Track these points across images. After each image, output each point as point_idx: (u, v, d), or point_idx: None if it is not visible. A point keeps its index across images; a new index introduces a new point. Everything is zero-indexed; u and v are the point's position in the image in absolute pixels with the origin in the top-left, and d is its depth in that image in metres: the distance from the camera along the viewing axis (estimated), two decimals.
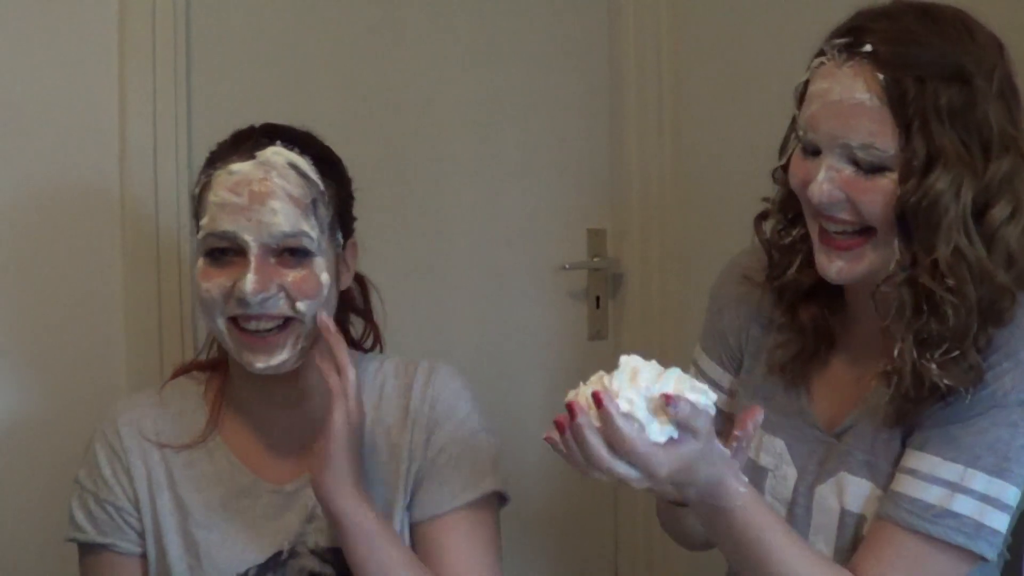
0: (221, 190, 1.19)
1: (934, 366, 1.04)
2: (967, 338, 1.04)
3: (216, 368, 1.34)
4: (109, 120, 1.59)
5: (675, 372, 1.01)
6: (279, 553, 1.25)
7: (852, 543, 1.12)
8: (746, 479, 1.03)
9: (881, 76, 1.02)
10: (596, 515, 2.05)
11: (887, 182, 1.04)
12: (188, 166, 1.65)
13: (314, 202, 1.21)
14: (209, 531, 1.25)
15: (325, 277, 1.21)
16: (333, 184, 1.25)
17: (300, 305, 1.19)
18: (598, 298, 2.05)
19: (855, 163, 1.05)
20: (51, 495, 1.53)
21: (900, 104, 1.02)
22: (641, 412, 1.00)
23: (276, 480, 1.27)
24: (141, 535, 1.27)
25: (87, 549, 1.28)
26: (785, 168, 1.15)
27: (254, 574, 1.25)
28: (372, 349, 1.39)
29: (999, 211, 1.03)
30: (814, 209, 1.09)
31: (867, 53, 1.03)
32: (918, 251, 1.04)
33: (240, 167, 1.19)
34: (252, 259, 1.17)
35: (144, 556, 1.27)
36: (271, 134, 1.23)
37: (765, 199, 1.22)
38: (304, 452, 1.25)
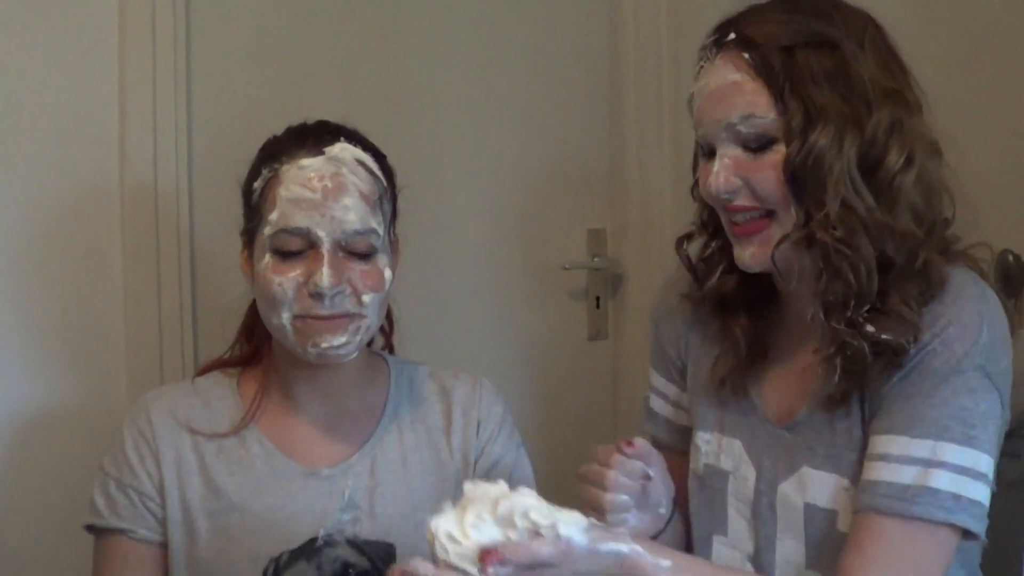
0: (293, 185, 1.20)
1: (869, 327, 1.05)
2: (871, 291, 1.05)
3: (247, 363, 1.34)
4: (109, 120, 1.59)
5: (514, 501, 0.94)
6: (314, 539, 1.25)
7: (823, 538, 1.10)
8: (667, 561, 0.98)
9: (747, 55, 1.07)
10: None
11: (775, 156, 1.07)
12: (188, 166, 1.65)
13: (380, 199, 1.24)
14: (242, 514, 1.25)
15: (388, 272, 1.25)
16: (389, 180, 1.29)
17: (366, 298, 1.21)
18: (598, 298, 2.05)
19: (744, 146, 1.08)
20: (52, 492, 1.55)
21: (770, 73, 1.06)
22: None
23: (312, 463, 1.28)
24: (161, 523, 1.26)
25: (102, 534, 1.27)
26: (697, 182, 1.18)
27: (286, 560, 1.24)
28: (390, 343, 1.43)
29: (892, 160, 1.05)
30: (720, 203, 1.12)
31: (732, 40, 1.09)
32: (811, 209, 1.06)
33: (311, 162, 1.21)
34: (325, 253, 1.19)
35: (162, 545, 1.26)
36: (331, 130, 1.26)
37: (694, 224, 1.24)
38: (339, 438, 1.29)
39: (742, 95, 1.07)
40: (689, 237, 1.23)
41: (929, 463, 1.02)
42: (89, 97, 1.59)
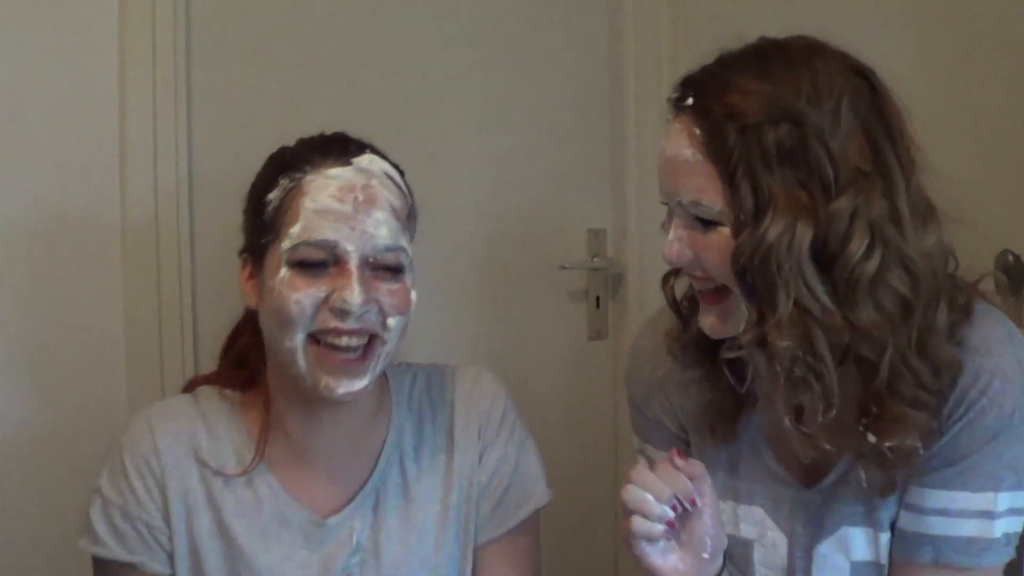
0: (320, 195, 1.11)
1: (870, 436, 0.99)
2: (834, 396, 0.97)
3: (246, 388, 1.25)
4: (109, 120, 1.59)
5: None
6: None
7: None
8: None
9: (698, 131, 0.99)
10: (596, 515, 2.04)
11: (721, 237, 1.00)
12: (188, 166, 1.65)
13: (409, 216, 1.19)
14: (253, 556, 1.18)
15: (413, 294, 1.17)
16: (412, 197, 1.22)
17: (391, 321, 1.14)
18: (598, 298, 2.05)
19: (696, 218, 1.02)
20: (52, 502, 1.54)
21: (722, 155, 0.97)
22: None
23: (319, 511, 1.21)
24: (171, 556, 1.18)
25: (107, 565, 1.19)
26: None
27: None
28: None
29: (852, 249, 0.95)
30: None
31: (689, 107, 1.01)
32: (764, 308, 0.97)
33: (340, 172, 1.13)
34: (354, 270, 1.10)
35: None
36: (355, 142, 1.19)
37: None
38: (344, 477, 1.22)
39: (692, 176, 1.00)
40: (676, 274, 1.14)
41: (989, 515, 1.02)
42: (89, 96, 1.58)
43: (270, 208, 1.15)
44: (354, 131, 1.71)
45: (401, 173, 1.20)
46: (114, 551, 1.17)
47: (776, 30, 1.79)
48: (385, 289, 1.13)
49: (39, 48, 1.55)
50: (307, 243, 1.11)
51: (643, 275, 2.01)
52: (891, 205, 0.97)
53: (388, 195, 1.14)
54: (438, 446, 1.26)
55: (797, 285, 0.96)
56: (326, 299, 1.10)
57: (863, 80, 1.01)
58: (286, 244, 1.11)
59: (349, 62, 1.81)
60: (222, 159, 1.65)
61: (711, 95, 1.00)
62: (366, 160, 1.15)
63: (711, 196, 0.99)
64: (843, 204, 0.95)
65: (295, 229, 1.11)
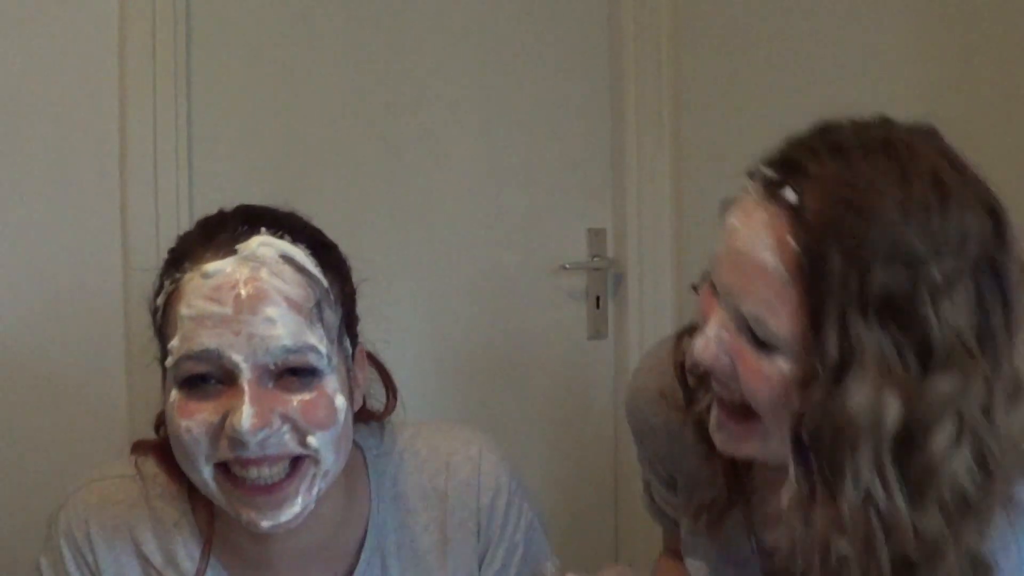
0: (196, 299, 0.91)
1: None
2: None
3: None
4: (109, 120, 1.59)
5: None
6: None
7: None
8: None
9: (793, 242, 0.78)
10: (596, 515, 2.04)
11: (776, 369, 0.81)
12: (188, 167, 1.65)
13: (319, 305, 0.94)
14: None
15: (340, 400, 0.94)
16: (337, 278, 0.98)
17: (312, 440, 0.92)
18: (598, 298, 2.05)
19: (750, 329, 0.82)
20: (51, 504, 1.54)
21: (815, 284, 0.77)
22: None
23: None
24: None
25: None
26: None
27: None
28: (386, 415, 1.11)
29: (940, 438, 0.77)
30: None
31: (786, 201, 0.80)
32: (818, 487, 0.79)
33: (218, 266, 0.91)
34: (245, 385, 0.89)
35: None
36: (251, 219, 0.95)
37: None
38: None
39: (765, 288, 0.80)
40: (691, 332, 0.94)
41: None
42: (89, 96, 1.58)
43: (157, 317, 0.97)
44: (353, 131, 1.74)
45: (320, 248, 0.97)
46: None
47: (776, 30, 1.80)
48: (296, 401, 0.91)
49: (39, 47, 1.55)
50: (187, 356, 0.90)
51: (643, 275, 2.01)
52: (988, 390, 0.79)
53: (281, 284, 0.91)
54: (428, 545, 1.07)
55: (871, 474, 0.77)
56: (222, 424, 0.90)
57: (993, 220, 0.80)
58: (170, 361, 0.92)
59: (349, 63, 1.81)
60: (222, 160, 1.65)
61: (822, 197, 0.78)
62: (255, 243, 0.92)
63: (782, 322, 0.79)
64: (940, 385, 0.77)
65: (175, 343, 0.91)
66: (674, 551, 1.15)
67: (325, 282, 0.96)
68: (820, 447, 0.79)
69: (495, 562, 1.08)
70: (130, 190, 1.60)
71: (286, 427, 0.91)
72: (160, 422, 1.04)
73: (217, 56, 1.70)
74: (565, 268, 2.01)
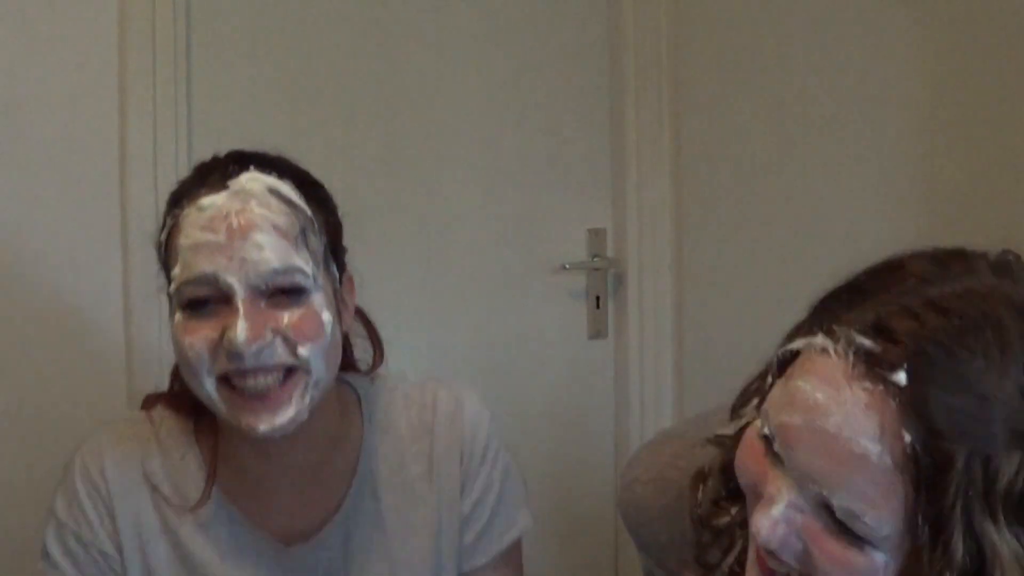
0: (193, 230, 1.02)
1: None
2: None
3: (200, 414, 1.14)
4: (109, 120, 1.59)
5: None
6: None
7: None
8: None
9: (907, 435, 0.68)
10: (596, 515, 2.04)
11: (870, 562, 0.72)
12: (188, 166, 1.65)
13: (303, 231, 1.04)
14: None
15: (327, 315, 1.04)
16: (321, 210, 1.09)
17: (303, 351, 1.02)
18: (598, 298, 2.05)
19: (832, 514, 0.73)
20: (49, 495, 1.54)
21: (934, 487, 0.67)
22: None
23: (282, 537, 1.13)
24: None
25: None
26: (736, 438, 0.83)
27: None
28: (374, 368, 1.23)
29: None
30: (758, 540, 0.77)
31: (899, 387, 0.69)
32: None
33: (211, 200, 1.02)
34: (240, 304, 0.99)
35: None
36: (241, 160, 1.07)
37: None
38: (309, 507, 1.13)
39: (862, 479, 0.69)
40: (704, 479, 0.88)
41: None
42: (89, 96, 1.58)
43: (161, 251, 1.08)
44: (353, 130, 1.73)
45: (305, 184, 1.09)
46: (67, 573, 1.11)
47: (777, 29, 1.80)
48: (287, 318, 1.01)
49: (39, 48, 1.55)
50: (187, 281, 1.01)
51: (643, 275, 2.02)
52: None
53: (268, 214, 1.02)
54: (417, 473, 1.17)
55: None
56: (221, 340, 1.00)
57: None
58: (172, 287, 1.04)
59: (349, 62, 1.81)
60: None
61: (942, 382, 0.68)
62: (244, 179, 1.03)
63: (883, 517, 0.70)
64: None
65: (176, 270, 1.03)
66: None
67: (309, 211, 1.06)
68: None
69: (472, 493, 1.18)
70: (129, 187, 1.60)
71: (278, 340, 1.01)
72: (176, 376, 1.15)
73: (217, 55, 1.70)
74: (565, 268, 2.01)
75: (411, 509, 1.17)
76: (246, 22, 1.74)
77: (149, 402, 1.19)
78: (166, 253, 1.06)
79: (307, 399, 1.03)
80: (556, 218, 2.01)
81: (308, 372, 1.03)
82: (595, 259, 2.04)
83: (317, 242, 1.06)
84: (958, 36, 1.53)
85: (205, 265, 1.00)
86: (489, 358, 1.94)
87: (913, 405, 0.68)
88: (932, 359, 0.69)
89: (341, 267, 1.12)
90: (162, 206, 1.58)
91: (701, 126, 1.96)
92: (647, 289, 2.02)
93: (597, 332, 2.06)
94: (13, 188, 1.54)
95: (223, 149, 1.11)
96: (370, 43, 1.83)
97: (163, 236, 1.07)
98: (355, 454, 1.16)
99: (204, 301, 1.01)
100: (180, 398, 1.15)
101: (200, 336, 1.01)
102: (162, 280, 1.07)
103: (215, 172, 1.06)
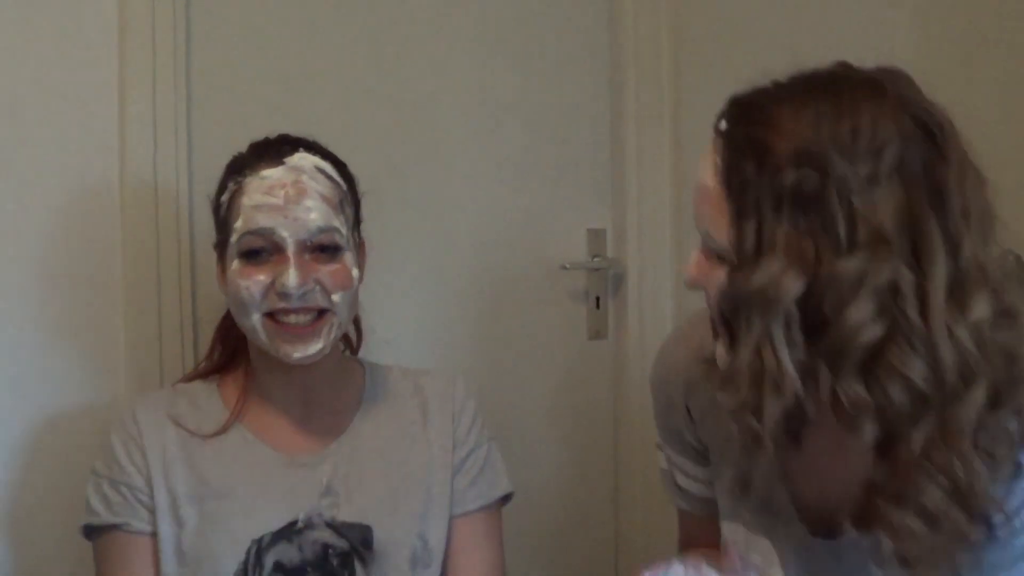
0: (256, 194, 1.27)
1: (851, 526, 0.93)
2: (757, 468, 0.97)
3: (225, 369, 1.42)
4: (109, 120, 1.59)
5: None
6: (294, 522, 1.31)
7: None
8: None
9: (720, 160, 0.94)
10: (596, 515, 2.04)
11: (720, 274, 0.95)
12: (188, 166, 1.65)
13: (341, 202, 1.31)
14: (225, 500, 1.30)
15: (355, 271, 1.31)
16: (351, 187, 1.35)
17: (335, 297, 1.28)
18: (598, 298, 2.05)
19: (709, 248, 0.97)
20: (52, 494, 1.54)
21: (735, 190, 0.92)
22: None
23: (292, 452, 1.35)
24: (152, 512, 1.30)
25: (99, 532, 1.31)
26: None
27: (268, 541, 1.30)
28: (356, 350, 1.50)
29: (851, 315, 0.87)
30: None
31: (721, 132, 0.96)
32: (730, 355, 0.93)
33: (271, 172, 1.28)
34: (291, 255, 1.25)
35: (154, 535, 1.30)
36: (291, 142, 1.32)
37: None
38: (317, 430, 1.37)
39: (708, 206, 0.95)
40: None
41: None
42: (89, 97, 1.58)
43: (223, 209, 1.32)
44: (353, 130, 1.74)
45: (340, 165, 1.35)
46: (102, 516, 1.30)
47: (777, 30, 1.80)
48: (325, 270, 1.28)
49: (39, 47, 1.55)
50: (248, 232, 1.26)
51: (643, 275, 2.02)
52: (918, 279, 0.87)
53: (317, 186, 1.28)
54: (412, 419, 1.40)
55: (763, 338, 0.89)
56: (272, 284, 1.26)
57: (924, 134, 0.90)
58: (234, 238, 1.28)
59: (349, 61, 1.81)
60: (222, 157, 1.64)
61: (743, 123, 0.94)
62: (296, 158, 1.29)
63: (720, 231, 0.94)
64: (849, 265, 0.86)
65: (238, 224, 1.27)
66: (690, 543, 1.20)
67: (344, 186, 1.33)
68: (728, 315, 0.93)
69: (464, 447, 1.40)
70: (129, 186, 1.60)
71: (317, 287, 1.27)
72: (222, 325, 1.44)
73: (217, 52, 1.70)
74: (565, 268, 2.01)
75: (407, 445, 1.38)
76: (246, 22, 1.74)
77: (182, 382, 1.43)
78: (227, 211, 1.30)
79: (331, 336, 1.30)
80: (556, 218, 2.01)
81: (335, 314, 1.29)
82: (595, 259, 2.04)
83: (350, 210, 1.33)
84: (958, 36, 1.53)
85: (264, 221, 1.25)
86: (488, 358, 1.94)
87: (726, 140, 0.94)
88: (742, 109, 0.95)
89: (359, 233, 1.37)
90: (162, 205, 1.62)
91: (701, 126, 1.95)
92: (647, 289, 2.02)
93: (597, 332, 2.06)
94: (13, 188, 1.54)
95: (261, 135, 1.36)
96: (370, 43, 1.83)
97: (225, 197, 1.31)
98: (358, 396, 1.41)
99: (258, 251, 1.26)
100: (206, 367, 1.43)
101: (255, 280, 1.26)
102: (218, 236, 1.33)
103: (271, 150, 1.31)
